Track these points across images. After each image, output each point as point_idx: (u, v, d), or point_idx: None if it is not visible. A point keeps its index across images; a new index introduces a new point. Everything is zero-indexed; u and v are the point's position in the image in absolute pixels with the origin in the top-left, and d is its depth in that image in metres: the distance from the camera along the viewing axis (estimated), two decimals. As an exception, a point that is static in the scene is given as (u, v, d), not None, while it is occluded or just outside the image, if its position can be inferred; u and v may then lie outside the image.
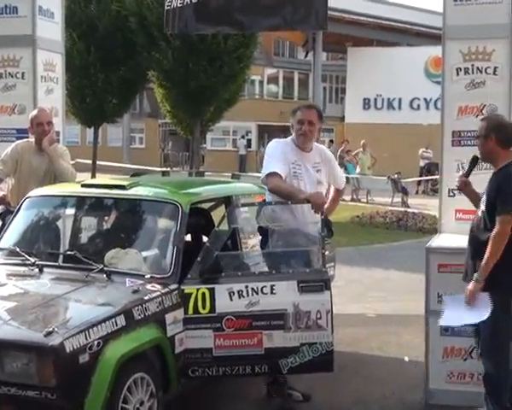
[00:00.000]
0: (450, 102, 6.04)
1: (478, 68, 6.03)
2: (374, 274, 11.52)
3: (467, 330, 5.30)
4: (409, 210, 19.04)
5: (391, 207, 20.04)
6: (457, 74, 6.07)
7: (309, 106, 5.91)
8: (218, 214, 6.34)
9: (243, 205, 5.80)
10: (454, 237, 5.87)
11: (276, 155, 5.59)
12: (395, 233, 16.13)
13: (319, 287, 5.09)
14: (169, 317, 4.89)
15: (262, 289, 5.06)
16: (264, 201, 5.73)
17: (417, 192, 25.07)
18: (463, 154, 5.94)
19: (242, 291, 5.05)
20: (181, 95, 18.85)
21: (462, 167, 5.97)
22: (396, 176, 23.31)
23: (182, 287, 5.05)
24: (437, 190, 6.25)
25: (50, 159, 6.52)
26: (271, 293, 5.06)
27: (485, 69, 6.01)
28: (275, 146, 5.72)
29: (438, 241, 5.94)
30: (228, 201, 5.98)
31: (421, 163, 29.02)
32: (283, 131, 49.46)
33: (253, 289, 5.05)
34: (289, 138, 5.82)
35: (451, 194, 6.04)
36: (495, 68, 6.01)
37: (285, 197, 5.43)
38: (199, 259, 5.12)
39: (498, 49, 6.00)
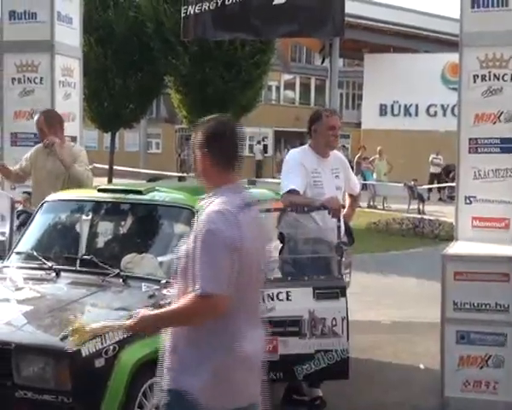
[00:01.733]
0: (467, 109, 6.03)
1: (495, 75, 6.02)
2: (389, 281, 11.49)
3: (483, 339, 5.28)
4: (425, 217, 18.99)
5: (407, 214, 20.00)
6: (474, 81, 6.06)
7: (334, 111, 5.92)
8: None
9: (260, 211, 5.75)
10: (470, 245, 5.86)
11: (294, 169, 5.58)
12: (411, 240, 16.09)
13: (335, 294, 5.09)
14: (184, 322, 4.89)
15: (278, 295, 5.06)
16: (284, 208, 5.73)
17: (428, 198, 25.02)
18: (480, 161, 5.93)
19: None
20: (197, 100, 18.87)
21: (479, 175, 5.96)
22: (412, 183, 23.27)
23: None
24: (453, 197, 6.24)
25: (62, 163, 6.54)
26: (287, 299, 5.07)
27: (503, 76, 6.00)
28: (292, 158, 5.72)
29: (454, 248, 5.93)
30: None
31: (432, 170, 28.93)
32: (299, 137, 49.54)
33: (268, 295, 5.04)
34: (307, 146, 5.81)
35: (468, 201, 6.03)
36: (512, 75, 6.00)
37: (303, 206, 5.47)
38: None
39: (515, 57, 5.99)
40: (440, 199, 27.18)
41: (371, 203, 24.14)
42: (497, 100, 6.00)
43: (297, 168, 5.58)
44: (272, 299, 5.05)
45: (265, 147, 45.80)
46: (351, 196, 6.15)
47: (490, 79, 6.03)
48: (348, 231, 5.95)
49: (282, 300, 5.06)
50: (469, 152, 6.05)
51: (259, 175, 39.83)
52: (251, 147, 45.80)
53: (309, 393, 5.80)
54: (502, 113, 6.02)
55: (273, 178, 38.85)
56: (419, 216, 19.51)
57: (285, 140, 48.96)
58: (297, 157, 5.69)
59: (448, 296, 5.67)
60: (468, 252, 5.73)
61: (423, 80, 33.78)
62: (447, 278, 5.67)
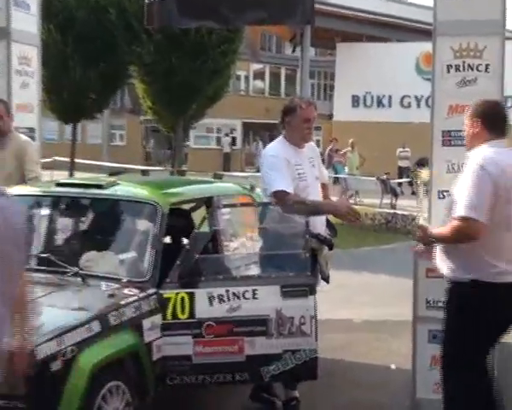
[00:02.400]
0: (441, 101, 6.03)
1: (469, 65, 6.02)
2: (362, 278, 11.54)
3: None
4: (398, 212, 19.08)
5: (380, 209, 20.09)
6: (448, 71, 6.06)
7: (310, 102, 5.85)
8: (199, 216, 6.34)
9: (225, 206, 5.77)
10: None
11: (279, 167, 5.51)
12: (384, 236, 16.17)
13: (303, 292, 5.08)
14: (146, 322, 4.87)
15: (244, 293, 5.05)
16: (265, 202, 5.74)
17: (402, 193, 25.15)
18: (454, 154, 5.93)
19: (223, 296, 5.04)
20: (163, 90, 18.82)
21: (453, 168, 5.95)
22: (385, 176, 23.36)
23: (160, 291, 5.04)
24: (427, 191, 6.25)
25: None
26: (253, 298, 5.05)
27: (477, 66, 6.01)
28: (275, 153, 5.63)
29: (426, 245, 5.91)
30: (209, 201, 5.96)
31: (400, 163, 29.00)
32: (269, 129, 49.59)
33: (234, 293, 5.04)
34: (282, 138, 5.76)
35: (441, 196, 6.01)
36: (487, 66, 6.00)
37: (310, 214, 5.41)
38: (178, 262, 5.11)
39: (490, 46, 6.00)
40: (413, 193, 27.32)
41: (343, 198, 24.19)
42: (472, 91, 6.00)
43: (282, 165, 5.52)
44: (238, 298, 5.04)
45: (234, 139, 45.84)
46: (323, 185, 6.15)
47: (464, 70, 6.03)
48: (329, 222, 5.97)
49: (248, 298, 5.04)
50: (443, 145, 6.02)
51: (227, 168, 39.84)
52: (218, 139, 45.86)
53: (285, 394, 5.81)
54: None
55: (241, 171, 38.90)
56: (392, 211, 19.61)
57: (254, 132, 49.02)
58: (280, 152, 5.60)
59: (420, 294, 5.69)
60: (441, 248, 5.70)
61: (397, 70, 33.98)
62: (419, 275, 5.68)
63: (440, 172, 6.03)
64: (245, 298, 5.05)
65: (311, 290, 5.10)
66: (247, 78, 50.92)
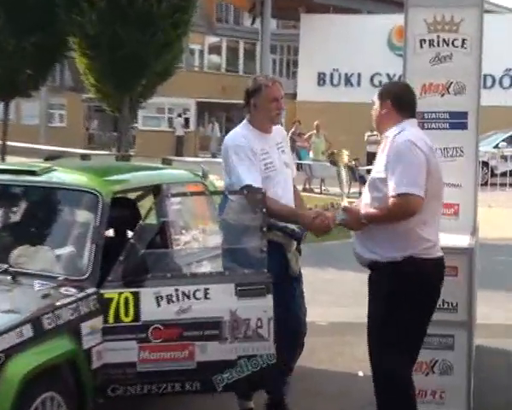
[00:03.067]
0: (413, 79, 6.04)
1: (444, 40, 6.06)
2: (326, 275, 11.57)
3: (428, 342, 5.32)
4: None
5: (348, 199, 20.13)
6: (421, 47, 6.10)
7: (274, 80, 5.78)
8: (145, 206, 6.29)
9: (175, 195, 5.75)
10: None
11: (245, 157, 5.46)
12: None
13: (260, 291, 5.07)
14: (85, 326, 4.83)
15: (194, 293, 5.03)
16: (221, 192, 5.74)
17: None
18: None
19: (172, 296, 5.02)
20: (107, 65, 18.62)
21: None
22: (354, 163, 23.46)
23: (101, 291, 5.00)
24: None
25: None
26: (205, 298, 5.04)
27: (453, 41, 6.05)
28: (238, 142, 5.55)
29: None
30: (157, 190, 5.94)
31: (369, 149, 29.07)
32: (226, 109, 49.57)
33: (184, 293, 5.02)
34: (246, 122, 5.69)
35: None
36: (463, 41, 6.05)
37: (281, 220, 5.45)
38: (122, 258, 5.08)
39: (467, 19, 6.04)
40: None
41: (307, 186, 24.29)
42: (447, 68, 6.05)
43: (248, 156, 5.47)
44: (188, 297, 5.02)
45: (187, 121, 45.68)
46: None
47: (438, 45, 6.07)
48: None
49: (199, 299, 5.02)
50: (415, 128, 6.07)
51: (180, 153, 39.75)
52: (170, 120, 45.69)
53: (239, 405, 5.81)
54: (451, 83, 6.08)
55: (195, 156, 38.81)
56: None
57: (209, 113, 48.97)
58: (243, 141, 5.54)
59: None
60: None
61: (367, 45, 34.19)
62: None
63: None
64: (196, 298, 5.02)
65: (268, 289, 5.08)
66: (201, 52, 50.85)
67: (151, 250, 5.26)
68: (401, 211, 4.76)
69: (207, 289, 5.04)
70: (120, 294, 4.98)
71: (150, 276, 5.08)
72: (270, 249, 5.22)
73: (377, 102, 5.06)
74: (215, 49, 51.75)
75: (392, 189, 4.76)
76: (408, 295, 4.81)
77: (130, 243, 5.17)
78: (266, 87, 5.60)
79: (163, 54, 19.01)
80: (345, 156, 5.36)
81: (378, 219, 4.87)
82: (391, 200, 4.77)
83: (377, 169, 4.93)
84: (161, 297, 5.00)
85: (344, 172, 5.36)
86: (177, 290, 5.02)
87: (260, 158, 5.52)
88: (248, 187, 5.33)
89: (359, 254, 5.08)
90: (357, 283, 10.81)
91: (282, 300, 5.22)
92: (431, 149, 4.94)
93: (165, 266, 5.32)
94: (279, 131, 5.86)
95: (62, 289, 4.92)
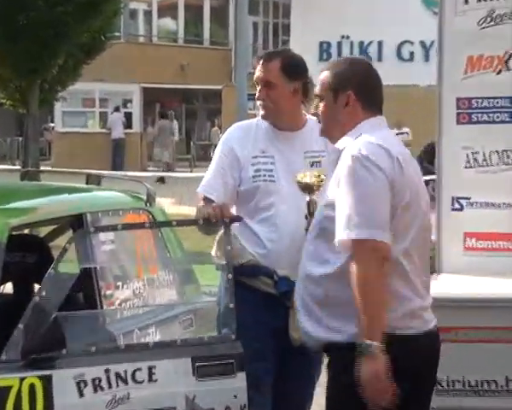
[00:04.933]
0: (454, 49, 6.07)
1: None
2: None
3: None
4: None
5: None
6: (466, 2, 6.08)
7: (268, 55, 5.99)
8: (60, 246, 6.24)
9: (105, 229, 5.84)
10: (461, 281, 5.94)
11: (219, 156, 5.80)
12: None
13: (226, 367, 5.08)
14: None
15: (134, 374, 5.03)
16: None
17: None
18: (475, 136, 5.98)
19: (101, 380, 4.99)
20: (2, 39, 18.64)
21: (475, 160, 5.99)
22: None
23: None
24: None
25: None
26: (150, 380, 5.04)
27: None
28: (224, 138, 5.92)
29: (434, 287, 5.85)
30: (78, 222, 5.95)
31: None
32: (186, 98, 49.68)
33: (118, 375, 5.01)
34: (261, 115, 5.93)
35: (457, 206, 6.09)
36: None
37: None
38: (21, 325, 5.00)
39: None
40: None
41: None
42: (503, 33, 6.03)
43: (221, 156, 5.81)
44: (125, 382, 5.02)
45: (129, 117, 45.68)
46: None
47: (491, -1, 6.09)
48: None
49: (141, 382, 5.03)
50: (458, 122, 6.12)
51: (118, 164, 39.69)
52: (103, 116, 45.65)
53: None
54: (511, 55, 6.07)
55: (143, 169, 38.56)
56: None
57: (162, 105, 49.07)
58: (228, 136, 5.89)
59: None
60: (456, 293, 5.76)
61: (392, 0, 34.26)
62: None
63: (455, 165, 6.09)
64: (136, 382, 5.02)
65: (239, 364, 5.09)
66: (147, 14, 50.93)
67: (68, 313, 5.18)
68: (365, 267, 4.55)
69: (152, 367, 5.04)
70: (22, 380, 4.90)
71: (67, 351, 5.01)
72: (260, 303, 5.38)
73: (327, 94, 4.93)
74: (168, 10, 51.88)
75: (340, 230, 4.61)
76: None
77: (36, 302, 5.10)
78: (254, 69, 5.93)
79: (88, 17, 19.02)
80: (312, 179, 5.42)
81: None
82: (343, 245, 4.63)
83: (327, 200, 4.83)
84: (85, 383, 4.97)
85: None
86: (107, 371, 5.01)
87: (251, 162, 5.73)
88: (207, 199, 5.62)
89: (309, 334, 4.87)
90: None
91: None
92: (401, 161, 4.75)
93: (90, 335, 5.29)
94: (313, 133, 5.86)
95: None
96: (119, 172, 29.11)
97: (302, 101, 5.83)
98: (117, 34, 25.26)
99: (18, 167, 21.81)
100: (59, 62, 19.73)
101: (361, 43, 36.25)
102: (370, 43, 36.08)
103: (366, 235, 4.53)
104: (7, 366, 4.92)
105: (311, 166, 5.77)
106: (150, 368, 5.03)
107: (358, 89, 4.86)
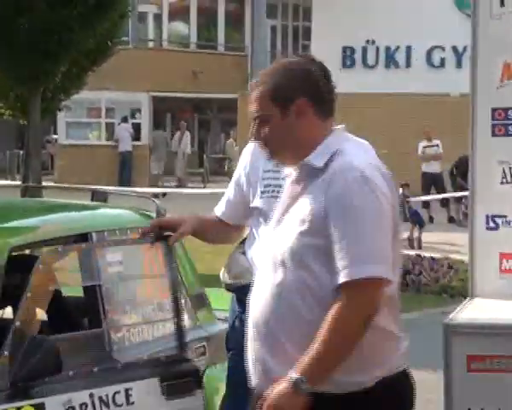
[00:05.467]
0: (489, 56, 6.09)
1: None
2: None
3: None
4: (423, 254, 19.15)
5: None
6: (502, 4, 6.12)
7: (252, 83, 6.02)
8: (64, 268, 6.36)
9: (111, 248, 5.94)
10: (496, 306, 5.94)
11: (235, 172, 6.11)
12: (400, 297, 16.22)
13: (186, 386, 5.38)
14: None
15: (114, 397, 5.23)
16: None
17: (431, 220, 25.39)
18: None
19: (86, 406, 5.16)
20: (1, 43, 18.66)
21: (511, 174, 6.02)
22: (402, 190, 23.52)
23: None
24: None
25: None
26: (128, 404, 5.27)
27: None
28: (244, 150, 6.17)
29: (468, 312, 5.97)
30: (83, 242, 6.00)
31: (425, 167, 28.97)
32: (199, 108, 49.53)
33: (101, 399, 5.18)
34: None
35: (492, 225, 6.09)
36: None
37: None
38: (6, 352, 5.11)
39: None
40: (452, 220, 27.47)
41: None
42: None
43: (235, 173, 6.14)
44: (107, 406, 5.19)
45: (137, 128, 45.53)
46: None
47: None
48: None
49: (120, 405, 5.22)
50: (493, 134, 6.11)
51: (126, 179, 39.62)
52: (110, 128, 45.54)
53: None
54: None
55: (153, 184, 38.27)
56: (413, 252, 19.70)
57: (172, 115, 48.97)
58: (246, 150, 6.14)
59: (457, 401, 5.70)
60: (491, 319, 5.79)
61: (422, 2, 34.17)
62: (455, 366, 5.70)
63: (489, 181, 6.11)
64: (116, 405, 5.22)
65: (197, 381, 5.31)
66: (158, 18, 50.82)
67: (65, 334, 5.45)
68: (363, 310, 4.42)
69: (128, 389, 5.26)
70: (19, 410, 5.01)
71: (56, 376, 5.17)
72: None
73: (271, 111, 4.67)
74: (180, 13, 51.70)
75: (343, 270, 4.39)
76: None
77: (17, 327, 5.27)
78: None
79: (93, 21, 19.03)
80: None
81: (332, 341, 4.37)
82: (343, 293, 4.40)
83: (295, 222, 4.56)
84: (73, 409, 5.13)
85: None
86: (91, 396, 5.18)
87: (262, 176, 5.89)
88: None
89: (276, 377, 4.53)
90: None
91: None
92: (389, 182, 4.63)
93: (94, 357, 5.49)
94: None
95: None
96: (126, 188, 29.07)
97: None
98: (124, 38, 25.22)
99: (18, 183, 21.78)
100: (62, 70, 19.71)
101: (387, 48, 36.20)
102: (398, 48, 36.07)
103: (380, 272, 4.42)
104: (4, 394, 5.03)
105: None
106: (127, 391, 5.24)
107: (310, 94, 4.63)
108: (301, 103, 4.59)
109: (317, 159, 4.54)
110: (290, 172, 4.72)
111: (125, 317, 6.15)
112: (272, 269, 4.55)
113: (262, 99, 4.63)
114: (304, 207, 4.51)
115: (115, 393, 5.15)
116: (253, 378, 4.61)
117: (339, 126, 4.74)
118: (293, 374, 4.34)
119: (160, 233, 5.81)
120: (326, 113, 4.67)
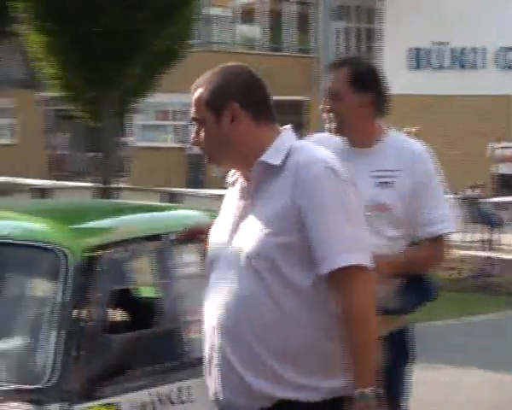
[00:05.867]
0: None
1: None
2: (437, 377, 11.53)
3: None
4: (498, 256, 19.03)
5: (462, 252, 19.88)
6: None
7: (335, 64, 6.04)
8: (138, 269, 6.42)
9: (177, 243, 5.90)
10: None
11: None
12: (471, 300, 16.17)
13: None
14: None
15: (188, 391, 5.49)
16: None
17: (503, 222, 25.29)
18: None
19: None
20: (75, 46, 18.77)
21: None
22: (473, 191, 23.37)
23: (73, 407, 5.03)
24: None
25: None
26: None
27: None
28: None
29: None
30: (156, 242, 6.07)
31: (496, 169, 28.83)
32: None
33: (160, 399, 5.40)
34: None
35: None
36: None
37: None
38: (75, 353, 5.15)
39: None
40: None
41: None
42: None
43: None
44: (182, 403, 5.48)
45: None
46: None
47: None
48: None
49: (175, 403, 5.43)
50: None
51: (197, 181, 39.77)
52: (180, 130, 45.73)
53: None
54: None
55: (221, 187, 37.87)
56: (486, 254, 19.57)
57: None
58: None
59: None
60: None
61: (492, 3, 34.04)
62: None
63: None
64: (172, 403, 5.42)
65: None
66: (225, 20, 50.93)
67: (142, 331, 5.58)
68: (370, 292, 4.42)
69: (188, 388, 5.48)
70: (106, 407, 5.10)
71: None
72: None
73: (207, 115, 4.63)
74: (247, 16, 51.81)
75: (338, 255, 4.35)
76: None
77: (84, 327, 5.33)
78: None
79: (164, 25, 19.11)
80: None
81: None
82: (345, 282, 4.37)
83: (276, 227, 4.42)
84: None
85: None
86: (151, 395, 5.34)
87: None
88: None
89: (252, 388, 4.40)
90: (489, 391, 10.69)
91: None
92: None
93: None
94: (399, 149, 5.87)
95: (7, 407, 4.93)
96: (199, 190, 29.20)
97: (375, 115, 5.85)
98: (195, 41, 25.33)
99: (92, 185, 21.89)
100: (136, 72, 19.81)
101: (460, 49, 36.02)
102: (466, 49, 35.84)
103: (368, 261, 4.41)
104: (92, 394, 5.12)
105: (378, 186, 5.78)
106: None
107: (243, 100, 4.57)
108: (234, 108, 4.53)
109: (272, 157, 4.47)
110: (236, 179, 4.64)
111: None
112: (236, 274, 4.41)
113: (198, 103, 4.63)
114: (267, 208, 4.41)
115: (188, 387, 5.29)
116: (223, 391, 4.42)
117: (286, 127, 4.64)
118: (360, 390, 4.25)
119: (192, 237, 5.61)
120: (266, 118, 4.58)
